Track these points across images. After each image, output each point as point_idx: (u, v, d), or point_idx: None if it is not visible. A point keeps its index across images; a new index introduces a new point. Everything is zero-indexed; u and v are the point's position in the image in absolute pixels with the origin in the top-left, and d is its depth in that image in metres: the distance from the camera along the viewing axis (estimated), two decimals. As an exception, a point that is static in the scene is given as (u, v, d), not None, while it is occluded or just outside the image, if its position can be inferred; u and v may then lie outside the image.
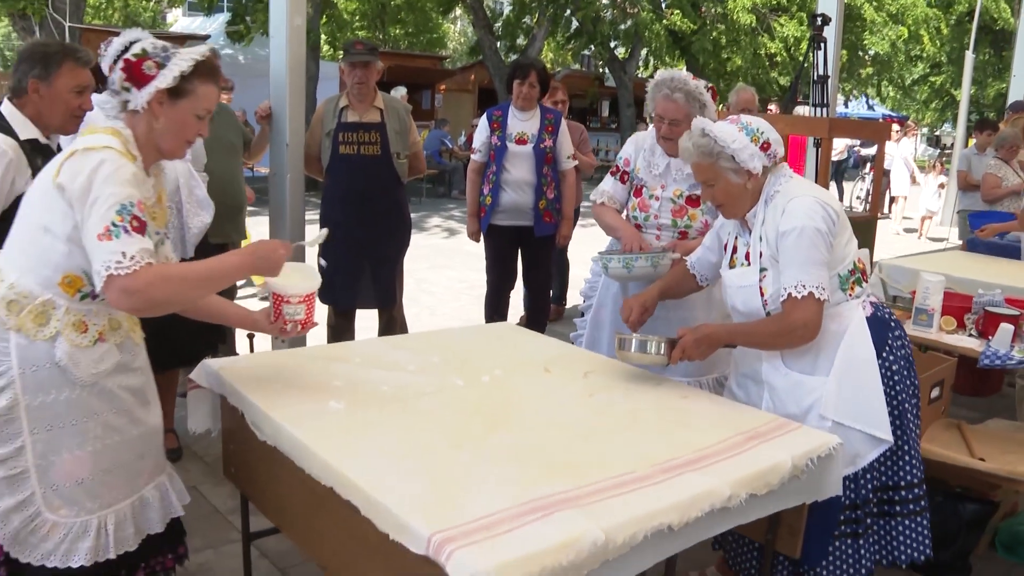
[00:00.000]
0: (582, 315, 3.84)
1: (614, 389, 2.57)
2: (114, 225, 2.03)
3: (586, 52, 22.18)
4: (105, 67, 3.67)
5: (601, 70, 21.57)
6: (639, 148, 3.58)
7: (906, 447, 2.57)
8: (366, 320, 5.26)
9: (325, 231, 2.76)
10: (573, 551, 1.61)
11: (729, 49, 20.21)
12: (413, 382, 2.52)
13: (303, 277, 2.55)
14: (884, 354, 2.54)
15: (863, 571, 2.52)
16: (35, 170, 2.93)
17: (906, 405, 2.57)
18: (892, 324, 2.62)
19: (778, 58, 20.45)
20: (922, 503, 2.59)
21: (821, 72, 7.23)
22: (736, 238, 2.73)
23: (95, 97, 3.51)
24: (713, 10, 19.89)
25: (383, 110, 4.73)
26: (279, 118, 4.60)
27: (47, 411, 2.13)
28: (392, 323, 5.02)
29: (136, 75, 2.19)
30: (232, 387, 2.45)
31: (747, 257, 2.64)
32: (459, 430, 2.17)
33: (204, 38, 16.57)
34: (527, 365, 2.78)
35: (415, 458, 1.99)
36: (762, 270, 2.57)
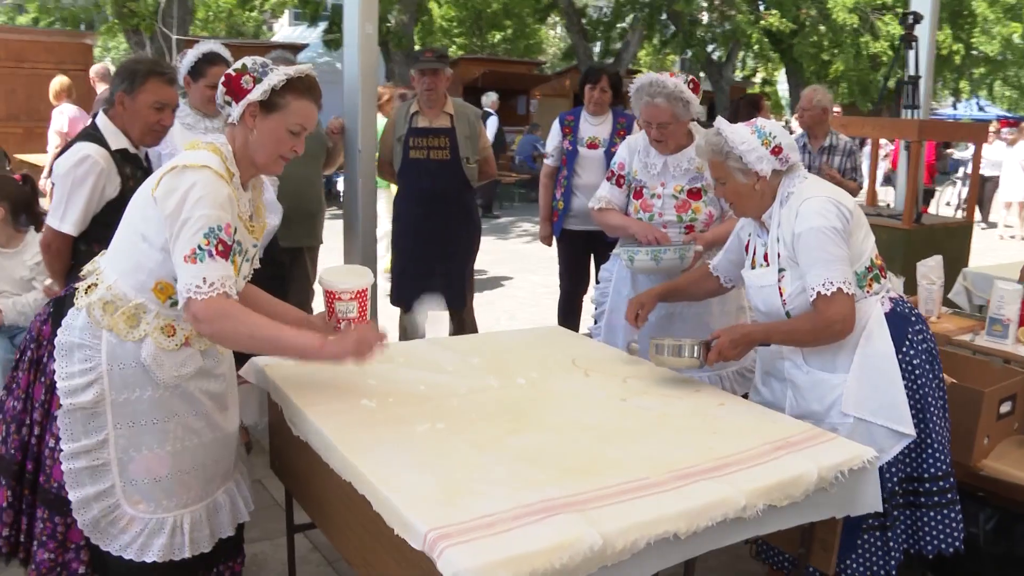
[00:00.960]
0: (595, 322, 3.84)
1: (650, 394, 2.55)
2: (200, 248, 2.11)
3: (684, 56, 21.91)
4: (180, 78, 3.88)
5: (699, 74, 21.32)
6: (633, 151, 3.64)
7: (929, 440, 2.57)
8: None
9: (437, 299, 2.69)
10: (567, 554, 1.61)
11: (830, 51, 19.68)
12: (448, 382, 2.56)
13: (356, 275, 2.63)
14: (904, 349, 2.57)
15: (892, 562, 2.52)
16: (123, 178, 3.10)
17: (928, 399, 2.57)
18: (912, 319, 2.64)
19: (883, 58, 19.81)
20: (949, 495, 2.60)
21: (912, 72, 6.98)
22: (753, 238, 2.76)
23: (179, 112, 3.70)
24: (812, 11, 19.41)
25: (453, 115, 4.81)
26: (351, 125, 4.71)
27: (130, 408, 2.23)
28: (462, 325, 5.08)
29: (235, 89, 2.27)
30: (274, 384, 2.53)
31: (765, 258, 2.68)
32: (482, 430, 2.19)
33: (303, 47, 17.08)
34: (567, 368, 2.78)
35: (431, 456, 2.03)
36: (780, 270, 2.62)
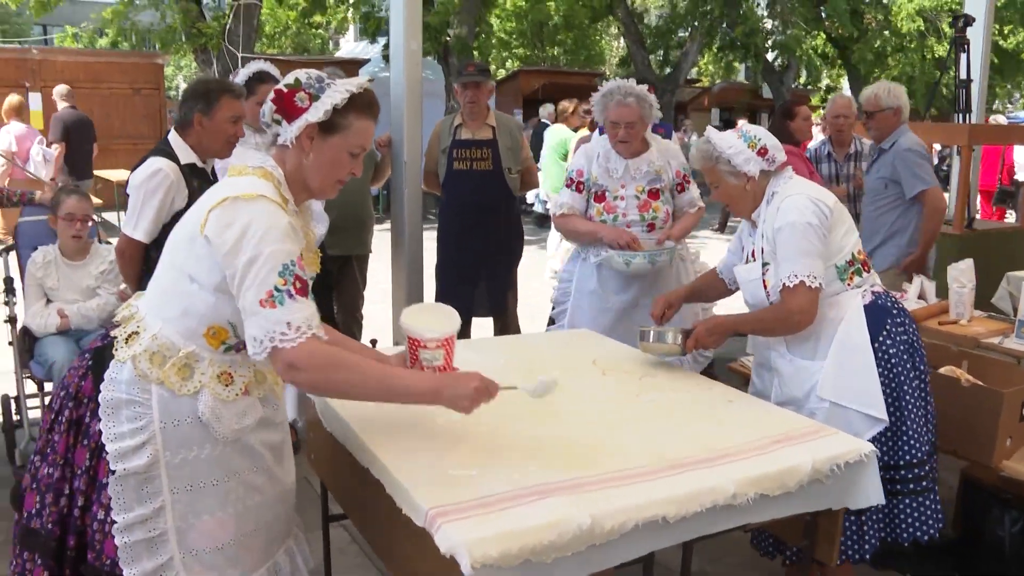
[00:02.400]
0: (552, 322, 4.05)
1: (662, 391, 2.67)
2: (277, 290, 1.90)
3: (745, 64, 21.80)
4: (236, 96, 4.11)
5: (759, 82, 21.24)
6: (591, 158, 3.98)
7: (904, 427, 2.70)
8: (481, 330, 5.48)
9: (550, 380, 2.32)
10: (555, 532, 1.74)
11: (894, 56, 19.39)
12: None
13: (441, 319, 2.37)
14: (881, 339, 2.71)
15: (866, 547, 2.64)
16: (191, 190, 3.36)
17: (904, 388, 2.70)
18: (894, 312, 2.79)
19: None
20: (925, 483, 2.70)
21: (964, 76, 6.94)
22: (746, 237, 2.96)
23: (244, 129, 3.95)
24: (876, 17, 19.16)
25: (495, 127, 4.97)
26: (397, 137, 4.90)
27: (188, 469, 2.02)
28: (506, 331, 5.22)
29: (287, 107, 2.05)
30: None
31: (753, 254, 2.87)
32: (496, 422, 2.32)
33: (364, 62, 17.46)
34: (587, 367, 2.91)
35: (443, 444, 2.17)
36: (764, 264, 2.80)
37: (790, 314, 2.68)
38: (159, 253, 3.16)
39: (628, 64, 19.20)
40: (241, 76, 4.11)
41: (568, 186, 4.01)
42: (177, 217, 3.25)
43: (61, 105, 9.68)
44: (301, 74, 2.09)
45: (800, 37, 17.70)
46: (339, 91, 2.05)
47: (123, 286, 3.85)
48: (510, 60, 27.26)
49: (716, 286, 3.21)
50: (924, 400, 2.80)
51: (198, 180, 3.40)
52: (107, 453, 1.98)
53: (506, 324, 5.24)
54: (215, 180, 3.57)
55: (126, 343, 2.04)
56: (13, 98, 9.30)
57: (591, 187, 3.96)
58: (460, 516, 1.77)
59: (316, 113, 2.03)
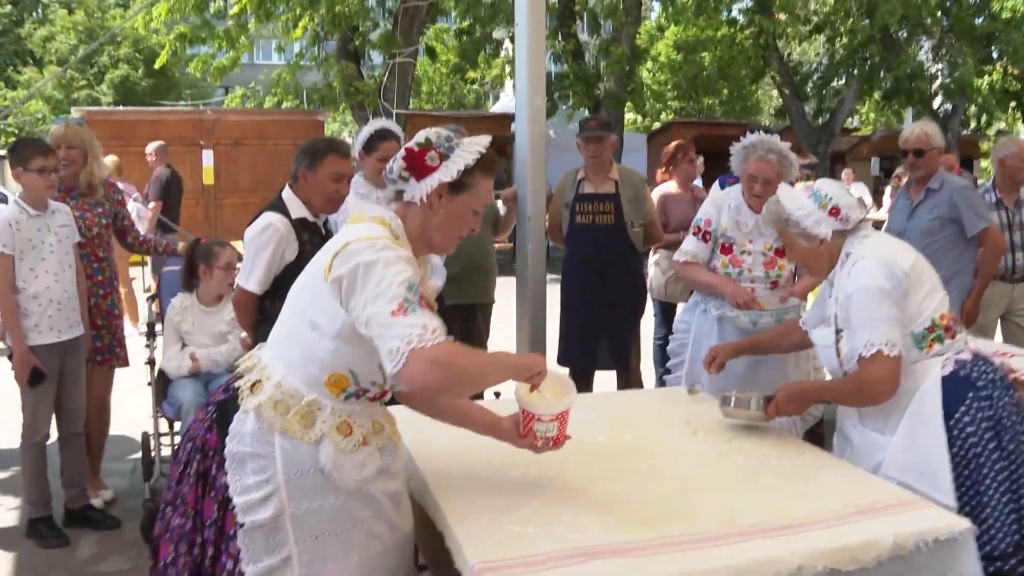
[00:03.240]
0: (669, 371, 3.92)
1: (750, 454, 2.59)
2: (407, 300, 1.92)
3: (909, 109, 20.93)
4: (355, 153, 4.32)
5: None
6: (720, 208, 3.88)
7: (983, 514, 2.45)
8: (605, 382, 5.44)
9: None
10: (599, 596, 1.72)
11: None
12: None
13: (559, 391, 2.30)
14: (958, 415, 2.52)
15: None
16: (301, 243, 3.52)
17: (985, 470, 2.48)
18: (979, 384, 2.57)
19: None
20: None
21: None
22: (827, 298, 2.83)
23: (353, 183, 4.14)
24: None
25: (618, 181, 4.98)
26: (522, 192, 4.98)
27: (312, 518, 2.04)
28: (628, 386, 5.17)
29: (417, 165, 2.09)
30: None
31: (829, 319, 2.75)
32: (571, 477, 2.33)
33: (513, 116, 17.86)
34: (679, 426, 2.86)
35: (511, 499, 2.19)
36: (838, 331, 2.68)
37: (868, 385, 2.54)
38: (273, 303, 3.39)
39: (785, 115, 18.81)
40: (364, 133, 4.29)
41: (695, 234, 3.97)
42: (289, 269, 3.43)
43: (154, 162, 9.88)
44: (432, 133, 2.14)
45: (971, 73, 16.84)
46: (470, 151, 2.10)
47: (243, 335, 4.07)
48: (664, 112, 27.26)
49: (791, 338, 3.14)
50: (1016, 484, 2.52)
51: (308, 234, 3.56)
52: (234, 506, 2.02)
53: (629, 379, 5.19)
54: (327, 234, 3.73)
55: (251, 392, 2.09)
56: (112, 158, 9.79)
57: (718, 238, 3.90)
58: (504, 572, 1.77)
59: (448, 172, 2.08)
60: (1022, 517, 2.50)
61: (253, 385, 2.10)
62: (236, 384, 2.14)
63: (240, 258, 4.30)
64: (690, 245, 3.97)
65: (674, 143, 6.45)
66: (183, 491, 2.12)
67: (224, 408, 2.12)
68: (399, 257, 1.98)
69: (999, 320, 5.51)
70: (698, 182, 14.25)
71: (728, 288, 3.75)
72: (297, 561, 2.03)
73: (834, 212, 2.67)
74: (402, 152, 2.13)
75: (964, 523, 2.13)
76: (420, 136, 2.13)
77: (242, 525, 2.01)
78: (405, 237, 2.12)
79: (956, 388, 2.55)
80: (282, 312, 2.20)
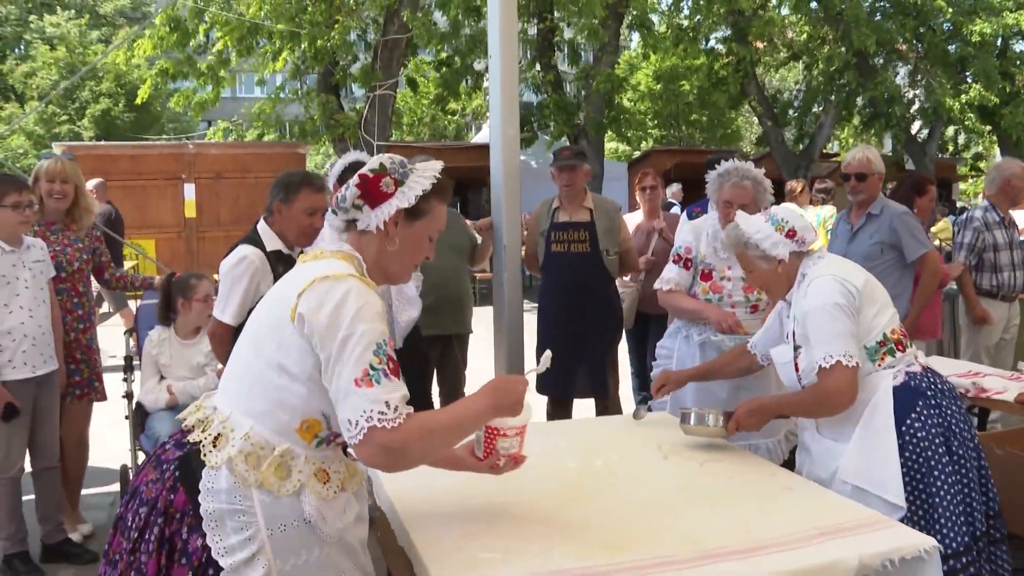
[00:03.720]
0: (651, 397, 3.93)
1: (719, 477, 2.61)
2: (372, 369, 1.84)
3: (886, 135, 21.21)
4: (330, 185, 4.35)
5: (901, 154, 20.55)
6: (699, 235, 3.92)
7: (934, 515, 2.59)
8: (584, 410, 5.45)
9: (548, 354, 2.50)
10: (563, 620, 1.72)
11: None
12: (526, 462, 2.68)
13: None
14: (909, 422, 2.66)
15: None
16: (276, 276, 3.52)
17: (935, 473, 2.61)
18: (928, 393, 2.72)
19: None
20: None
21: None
22: (784, 318, 2.97)
23: (328, 215, 4.16)
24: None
25: (592, 210, 5.02)
26: (497, 221, 5.01)
27: (298, 575, 1.92)
28: (606, 412, 5.18)
29: (372, 192, 2.02)
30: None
31: (787, 336, 2.88)
32: (539, 504, 2.34)
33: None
34: (650, 451, 2.87)
35: (478, 526, 2.20)
36: (796, 348, 2.80)
37: (828, 395, 2.66)
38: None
39: (765, 142, 19.03)
40: (338, 166, 4.32)
41: (675, 262, 4.00)
42: None
43: (95, 199, 9.69)
44: (385, 159, 2.08)
45: (946, 95, 17.04)
46: (426, 177, 2.06)
47: (220, 367, 4.08)
48: (645, 140, 27.48)
49: (740, 362, 3.23)
50: (965, 487, 2.65)
51: (283, 266, 3.57)
52: (216, 570, 1.85)
53: (607, 406, 5.20)
54: None
55: (214, 446, 1.92)
56: (97, 180, 9.60)
57: (698, 265, 3.95)
58: (467, 600, 1.78)
59: (406, 199, 2.02)
60: (971, 517, 2.62)
61: (216, 439, 1.92)
62: (190, 439, 1.96)
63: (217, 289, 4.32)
64: (672, 273, 4.00)
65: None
66: (139, 560, 1.89)
67: (187, 465, 1.92)
68: (369, 309, 1.89)
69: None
70: (676, 209, 14.37)
71: (713, 313, 3.78)
72: None
73: (791, 234, 2.81)
74: (355, 180, 2.05)
75: (930, 542, 2.15)
76: (373, 162, 2.07)
77: None
78: (366, 269, 2.05)
79: (907, 397, 2.69)
80: (236, 357, 2.05)
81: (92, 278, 4.65)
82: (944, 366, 4.20)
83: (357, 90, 15.11)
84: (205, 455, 1.90)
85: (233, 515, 1.86)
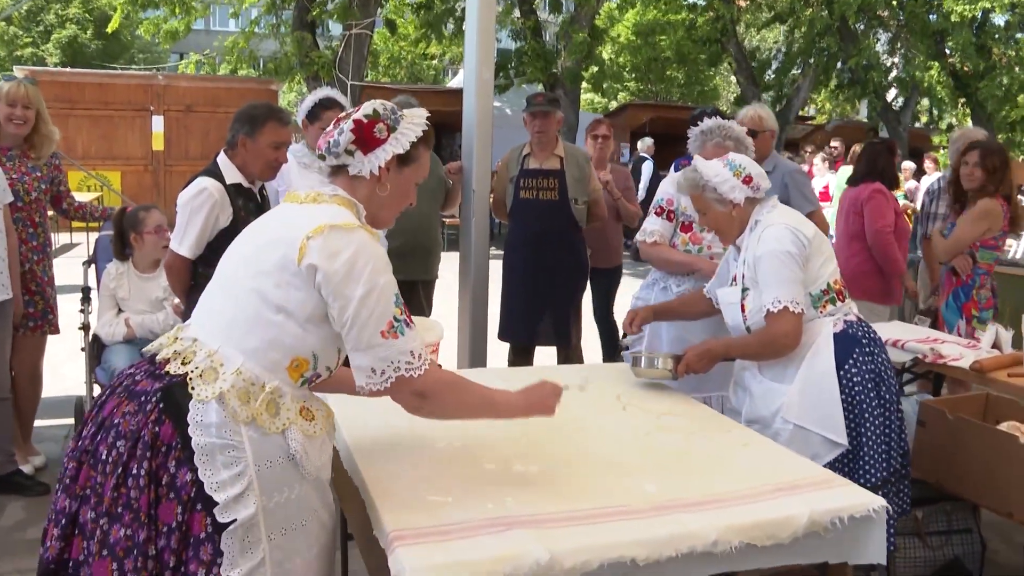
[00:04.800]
0: (626, 348, 3.92)
1: (677, 431, 2.60)
2: (396, 320, 1.91)
3: (861, 101, 21.23)
4: (299, 121, 4.25)
5: (877, 122, 20.61)
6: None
7: (861, 452, 2.81)
8: (546, 358, 5.46)
9: (587, 376, 2.96)
10: (510, 565, 1.71)
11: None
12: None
13: (427, 328, 2.37)
14: (847, 367, 2.82)
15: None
16: (235, 209, 3.48)
17: (866, 415, 2.81)
18: (864, 341, 2.89)
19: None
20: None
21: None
22: (731, 261, 3.09)
23: (292, 148, 4.08)
24: (1007, 53, 18.37)
25: (563, 158, 4.97)
26: (467, 165, 4.95)
27: (281, 512, 1.90)
28: (569, 361, 5.19)
29: (367, 138, 2.03)
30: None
31: (735, 278, 2.98)
32: (496, 451, 2.32)
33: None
34: (610, 402, 2.86)
35: (433, 470, 2.18)
36: (744, 290, 2.92)
37: (775, 338, 2.80)
38: (206, 269, 3.34)
39: (743, 102, 18.96)
40: (307, 102, 4.23)
41: (658, 214, 3.94)
42: (223, 235, 3.37)
43: None
44: (378, 105, 2.09)
45: (922, 67, 17.06)
46: (417, 123, 2.09)
47: (176, 301, 4.01)
48: (623, 93, 27.30)
49: (699, 306, 3.31)
50: (888, 428, 2.86)
51: (243, 199, 3.51)
52: (206, 505, 1.81)
53: (569, 355, 5.21)
54: (263, 200, 3.67)
55: (201, 379, 1.88)
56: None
57: (679, 217, 3.90)
58: (417, 541, 1.77)
59: (400, 144, 2.05)
60: (889, 455, 2.85)
61: (203, 373, 1.88)
62: (169, 370, 1.91)
63: (167, 219, 4.25)
64: (655, 225, 3.93)
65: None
66: (129, 495, 1.82)
67: (171, 397, 1.87)
68: (381, 259, 1.94)
69: None
70: (649, 164, 14.26)
71: (706, 265, 3.72)
72: (269, 561, 1.88)
73: (747, 180, 2.90)
74: (350, 124, 2.04)
75: (879, 501, 2.15)
76: (367, 108, 2.06)
77: (227, 526, 1.81)
78: (364, 215, 2.06)
79: (845, 344, 2.85)
80: (222, 292, 2.02)
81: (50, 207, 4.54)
82: (905, 332, 4.24)
83: (334, 28, 14.76)
84: (193, 388, 1.87)
85: (224, 450, 1.84)
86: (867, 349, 2.88)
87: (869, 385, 2.83)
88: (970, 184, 4.85)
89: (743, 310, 2.91)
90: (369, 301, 1.89)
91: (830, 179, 10.99)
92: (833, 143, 12.48)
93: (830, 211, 10.44)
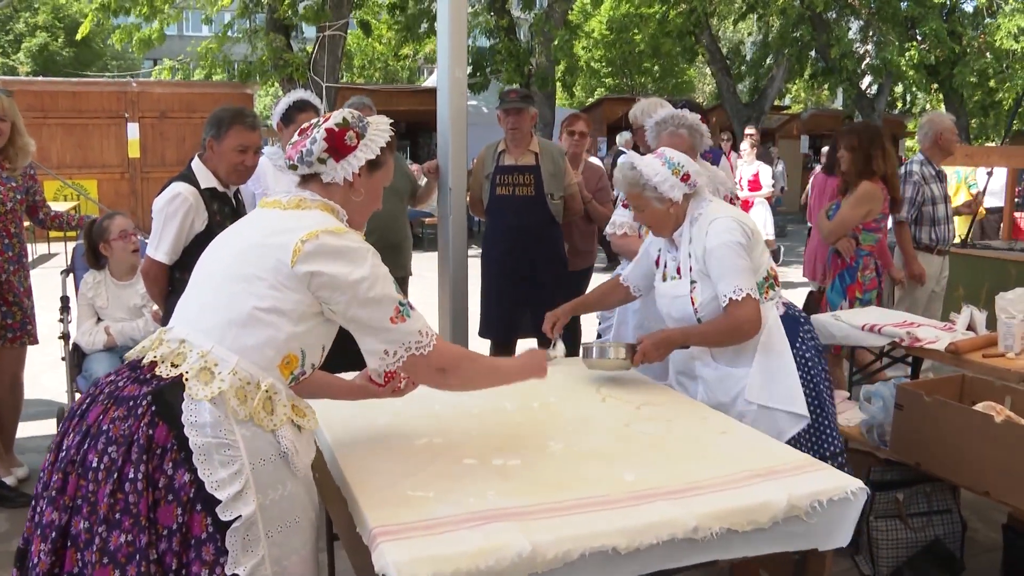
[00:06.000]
0: (599, 336, 3.98)
1: (656, 421, 2.62)
2: (402, 305, 2.02)
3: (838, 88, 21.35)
4: (274, 124, 4.25)
5: (851, 109, 20.72)
6: None
7: (825, 423, 2.94)
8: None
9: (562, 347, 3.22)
10: (493, 558, 1.72)
11: (997, 79, 18.69)
12: (464, 403, 2.65)
13: None
14: (797, 345, 2.96)
15: None
16: (211, 213, 3.48)
17: (821, 387, 2.95)
18: (801, 320, 3.07)
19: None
20: (844, 471, 2.66)
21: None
22: (664, 254, 3.13)
23: (267, 150, 4.08)
24: (977, 39, 18.52)
25: (538, 153, 4.99)
26: (443, 164, 4.96)
27: (276, 509, 1.92)
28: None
29: (339, 146, 2.09)
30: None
31: (678, 271, 3.04)
32: (474, 445, 2.33)
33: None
34: (587, 393, 2.89)
35: (413, 466, 2.18)
36: (692, 282, 2.97)
37: (739, 324, 2.86)
38: (183, 274, 3.32)
39: (717, 95, 19.05)
40: (281, 105, 4.23)
41: (625, 206, 4.00)
42: (198, 239, 3.37)
43: None
44: (347, 113, 2.15)
45: (894, 52, 17.15)
46: (383, 130, 2.17)
47: (155, 308, 4.00)
48: (599, 89, 27.33)
49: (615, 295, 3.41)
50: (832, 399, 3.03)
51: (218, 203, 3.51)
52: (205, 505, 1.81)
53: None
54: (238, 204, 3.67)
55: (197, 380, 1.88)
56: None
57: None
58: (401, 536, 1.78)
59: (371, 150, 2.13)
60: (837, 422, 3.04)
61: (200, 372, 1.89)
62: (159, 373, 1.90)
63: (133, 223, 4.24)
64: (624, 217, 4.02)
65: None
66: (128, 500, 1.80)
67: (162, 399, 1.86)
68: (375, 254, 2.03)
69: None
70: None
71: None
72: (268, 558, 1.88)
73: (685, 178, 2.94)
74: (322, 133, 2.08)
75: (856, 483, 2.18)
76: (336, 117, 2.12)
77: (231, 524, 1.82)
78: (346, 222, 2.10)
79: (790, 325, 2.99)
80: (212, 293, 2.02)
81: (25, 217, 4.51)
82: (880, 316, 4.27)
83: (308, 31, 14.71)
84: (190, 387, 1.87)
85: (220, 449, 1.84)
86: (806, 327, 3.05)
87: (817, 360, 2.99)
88: (843, 167, 4.95)
89: (693, 302, 2.95)
90: (375, 291, 1.98)
91: (759, 167, 11.23)
92: (748, 130, 12.77)
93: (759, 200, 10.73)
